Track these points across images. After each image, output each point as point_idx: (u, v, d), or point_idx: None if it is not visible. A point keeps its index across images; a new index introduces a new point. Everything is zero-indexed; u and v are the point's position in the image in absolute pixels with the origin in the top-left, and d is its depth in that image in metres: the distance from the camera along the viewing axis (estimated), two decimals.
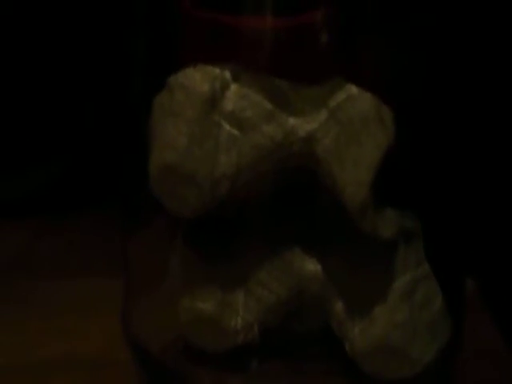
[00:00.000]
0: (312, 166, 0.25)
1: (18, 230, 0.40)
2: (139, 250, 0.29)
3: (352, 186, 0.24)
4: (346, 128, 0.25)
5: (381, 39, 0.25)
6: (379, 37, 0.25)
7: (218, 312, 0.26)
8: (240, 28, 0.25)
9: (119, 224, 0.29)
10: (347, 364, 0.26)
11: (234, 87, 0.25)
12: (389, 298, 0.26)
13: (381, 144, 0.25)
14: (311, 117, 0.25)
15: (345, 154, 0.25)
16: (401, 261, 0.26)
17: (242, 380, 0.27)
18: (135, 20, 0.28)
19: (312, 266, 0.26)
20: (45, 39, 0.41)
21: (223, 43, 0.26)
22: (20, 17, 0.40)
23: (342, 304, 0.26)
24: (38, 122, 0.42)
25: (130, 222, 0.29)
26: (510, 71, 0.36)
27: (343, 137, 0.25)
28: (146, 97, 0.26)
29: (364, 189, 0.24)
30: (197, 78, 0.25)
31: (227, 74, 0.25)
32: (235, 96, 0.25)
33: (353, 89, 0.25)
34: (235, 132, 0.25)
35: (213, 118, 0.25)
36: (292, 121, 0.25)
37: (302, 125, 0.25)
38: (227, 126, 0.25)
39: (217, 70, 0.25)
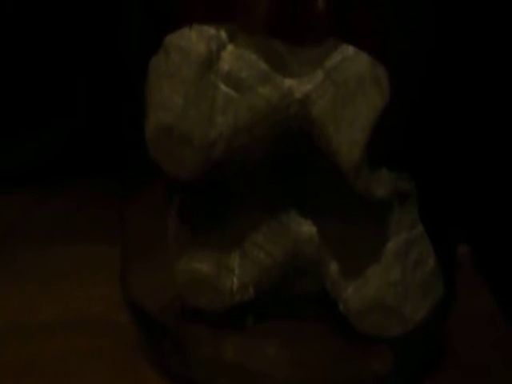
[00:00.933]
0: (307, 129, 0.25)
1: (16, 198, 0.40)
2: (137, 214, 0.29)
3: (347, 146, 0.25)
4: (342, 89, 0.25)
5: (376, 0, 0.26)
6: None
7: (214, 273, 0.26)
8: None
9: (117, 190, 0.30)
10: (342, 324, 0.27)
11: (230, 47, 0.25)
12: (383, 258, 0.26)
13: (376, 105, 0.25)
14: (307, 78, 0.25)
15: (340, 115, 0.25)
16: (395, 222, 0.26)
17: (239, 338, 0.27)
18: None
19: (307, 228, 0.27)
20: (41, 3, 0.40)
21: (219, 4, 0.26)
22: None
23: (336, 265, 0.26)
24: (34, 92, 0.41)
25: (127, 188, 0.29)
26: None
27: (339, 98, 0.25)
28: (143, 58, 0.26)
29: (358, 149, 0.25)
30: (193, 39, 0.25)
31: (223, 35, 0.25)
32: (231, 56, 0.25)
33: (349, 49, 0.25)
34: (232, 93, 0.25)
35: (209, 78, 0.25)
36: (288, 82, 0.25)
37: (297, 86, 0.25)
38: (223, 87, 0.25)
39: (213, 31, 0.25)
